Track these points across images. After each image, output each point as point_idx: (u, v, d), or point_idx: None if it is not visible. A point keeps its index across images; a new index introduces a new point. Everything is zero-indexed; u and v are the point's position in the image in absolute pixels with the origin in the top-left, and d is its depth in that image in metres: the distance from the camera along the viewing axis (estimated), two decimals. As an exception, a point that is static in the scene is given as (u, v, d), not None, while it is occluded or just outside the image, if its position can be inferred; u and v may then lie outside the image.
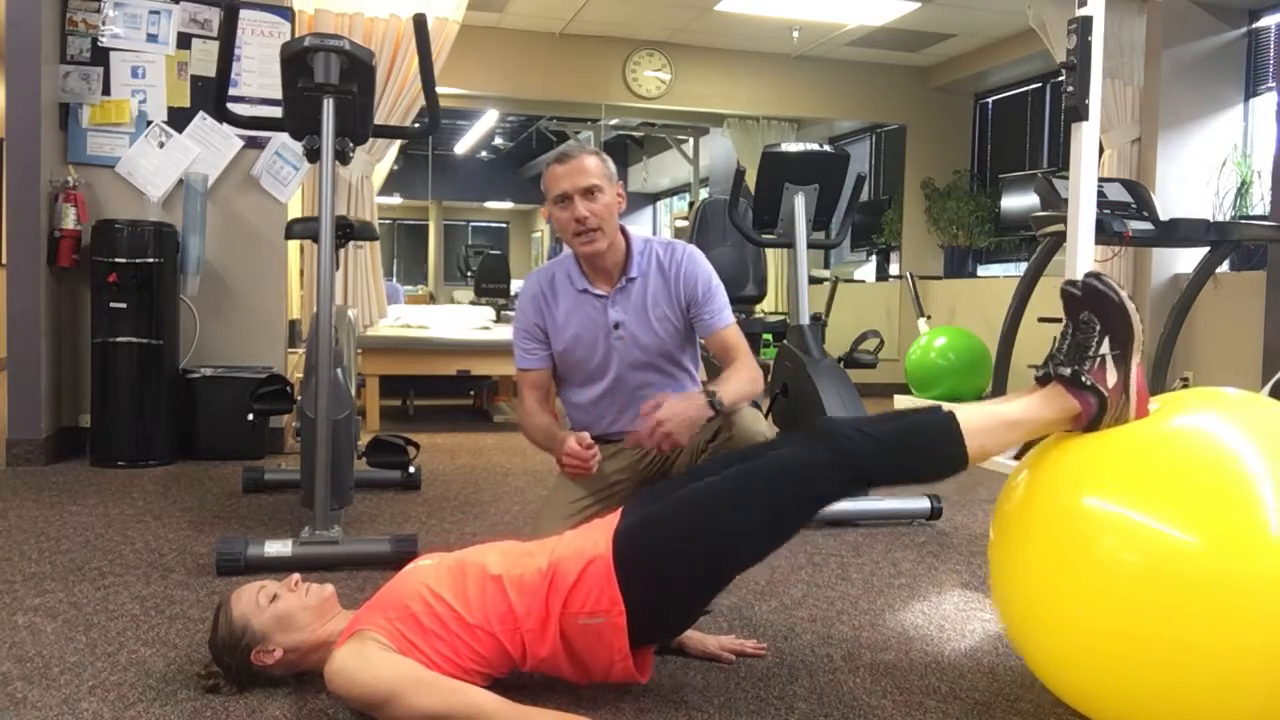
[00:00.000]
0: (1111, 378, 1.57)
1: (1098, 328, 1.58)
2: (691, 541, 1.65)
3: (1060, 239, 3.49)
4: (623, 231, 2.32)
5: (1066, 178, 3.02)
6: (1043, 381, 1.64)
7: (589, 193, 2.19)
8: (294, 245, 4.96)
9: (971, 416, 1.64)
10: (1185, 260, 5.39)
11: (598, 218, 2.20)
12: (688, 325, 2.34)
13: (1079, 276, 1.64)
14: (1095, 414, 1.58)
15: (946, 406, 1.69)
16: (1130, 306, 1.57)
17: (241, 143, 4.35)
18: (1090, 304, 1.59)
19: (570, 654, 1.65)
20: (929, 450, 1.65)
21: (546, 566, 1.67)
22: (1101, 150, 5.42)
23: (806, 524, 1.72)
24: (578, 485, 2.32)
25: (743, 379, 2.21)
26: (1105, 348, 1.58)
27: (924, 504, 3.21)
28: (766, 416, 3.58)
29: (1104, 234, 3.76)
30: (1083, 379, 1.58)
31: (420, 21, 2.77)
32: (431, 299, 10.46)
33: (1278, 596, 1.33)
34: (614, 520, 1.73)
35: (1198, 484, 1.42)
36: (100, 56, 4.20)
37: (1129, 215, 3.98)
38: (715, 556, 1.66)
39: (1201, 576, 1.35)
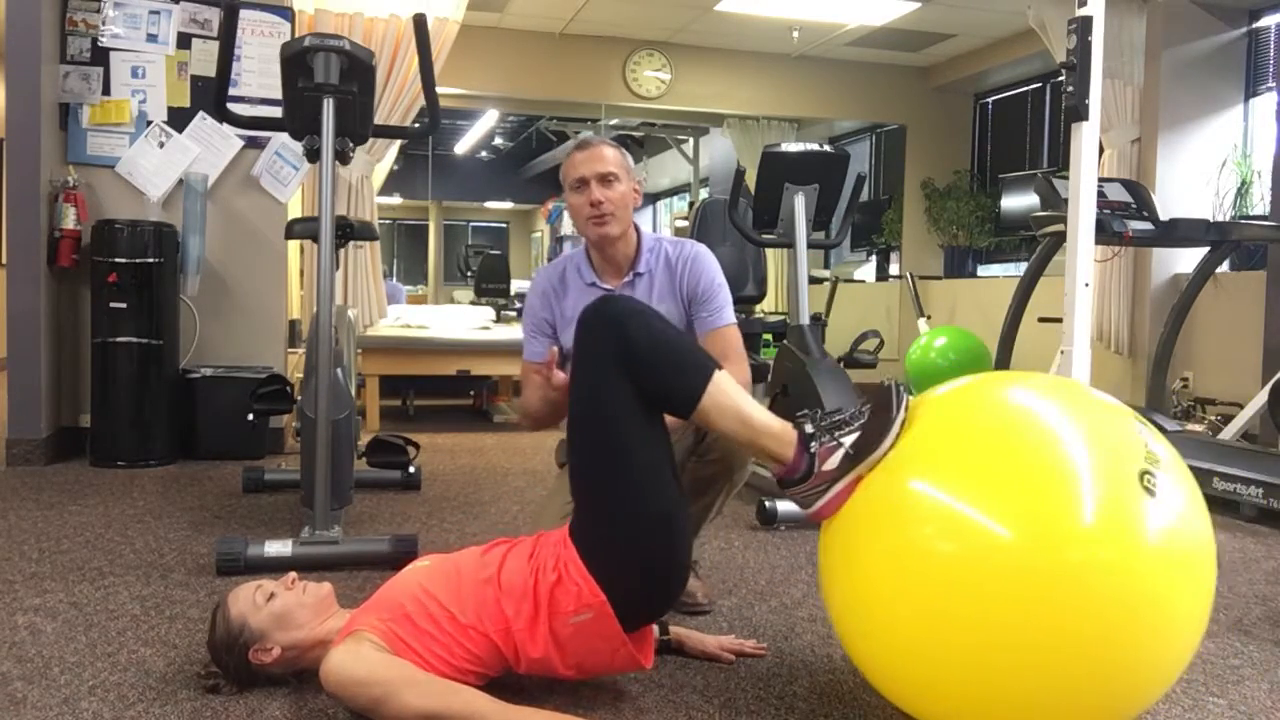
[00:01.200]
0: (830, 465, 1.58)
1: (860, 422, 1.59)
2: (602, 495, 1.67)
3: (1060, 239, 3.49)
4: (635, 229, 2.33)
5: (1066, 178, 3.02)
6: (797, 421, 1.65)
7: (605, 179, 2.21)
8: (294, 245, 4.96)
9: (728, 388, 1.65)
10: (1185, 260, 5.39)
11: (612, 204, 2.22)
12: (689, 322, 2.34)
13: (895, 380, 1.65)
14: (794, 479, 1.61)
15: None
16: (893, 434, 1.55)
17: (241, 143, 4.35)
18: (876, 403, 1.60)
19: (565, 655, 1.65)
20: (679, 366, 1.67)
21: (530, 569, 1.67)
22: (1101, 150, 5.43)
23: (638, 396, 1.70)
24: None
25: None
26: (848, 441, 1.58)
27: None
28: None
29: (1104, 234, 3.77)
30: (812, 445, 1.60)
31: (420, 21, 2.77)
32: (424, 299, 10.45)
33: (1086, 586, 1.35)
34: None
35: (1013, 474, 1.43)
36: (100, 56, 4.20)
37: (1129, 215, 3.98)
38: (628, 489, 1.66)
39: (1012, 566, 1.37)
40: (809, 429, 1.63)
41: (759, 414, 1.66)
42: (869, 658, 1.60)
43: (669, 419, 2.10)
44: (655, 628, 1.83)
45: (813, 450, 1.60)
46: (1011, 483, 1.42)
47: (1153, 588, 1.38)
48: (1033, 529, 1.38)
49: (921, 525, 1.46)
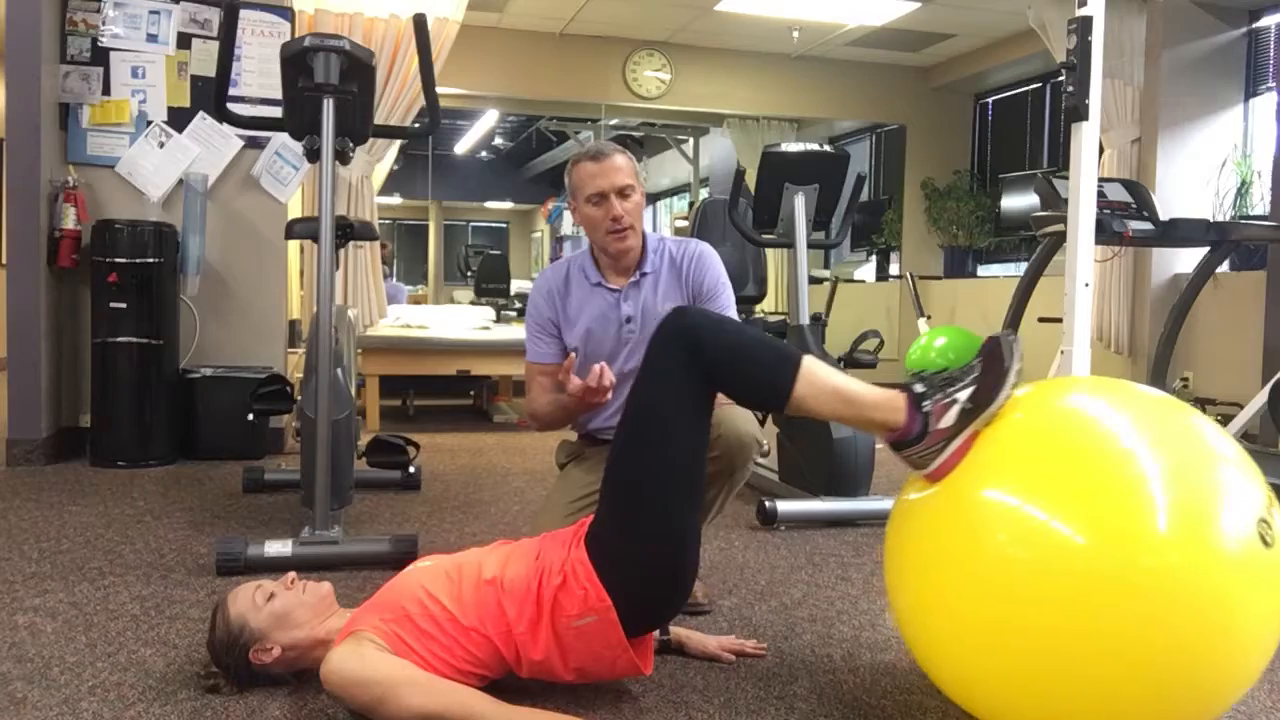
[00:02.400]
0: (946, 421, 1.56)
1: (972, 376, 1.58)
2: (634, 503, 1.66)
3: (1060, 239, 3.49)
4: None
5: (1066, 178, 3.02)
6: (901, 387, 1.65)
7: (623, 192, 2.23)
8: (294, 245, 4.96)
9: (816, 371, 1.64)
10: (1185, 260, 5.39)
11: (631, 217, 2.24)
12: None
13: (1008, 330, 1.64)
14: (909, 439, 1.58)
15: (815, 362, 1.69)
16: (1009, 383, 1.54)
17: (241, 143, 4.35)
18: (986, 356, 1.59)
19: (567, 658, 1.65)
20: (760, 372, 1.65)
21: (534, 570, 1.67)
22: (1101, 150, 5.43)
23: (708, 414, 1.70)
24: (577, 485, 2.32)
25: None
26: (963, 396, 1.56)
27: (924, 504, 3.21)
28: (765, 418, 3.58)
29: (1104, 234, 3.76)
30: (924, 403, 1.58)
31: (420, 21, 2.77)
32: (425, 300, 10.46)
33: (1162, 592, 1.34)
34: (589, 520, 1.75)
35: (1087, 480, 1.42)
36: (100, 56, 4.20)
37: (1129, 215, 3.98)
38: (658, 501, 1.65)
39: (1086, 572, 1.36)
40: (919, 389, 1.60)
41: (858, 387, 1.64)
42: (940, 664, 1.59)
43: None
44: (655, 631, 1.83)
45: (926, 409, 1.57)
46: (1084, 488, 1.41)
47: (1228, 593, 1.36)
48: (1106, 534, 1.36)
49: (994, 532, 1.45)
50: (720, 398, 2.25)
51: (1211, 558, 1.36)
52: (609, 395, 2.02)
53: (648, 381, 1.70)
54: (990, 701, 1.54)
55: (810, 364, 1.65)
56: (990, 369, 1.56)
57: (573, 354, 2.07)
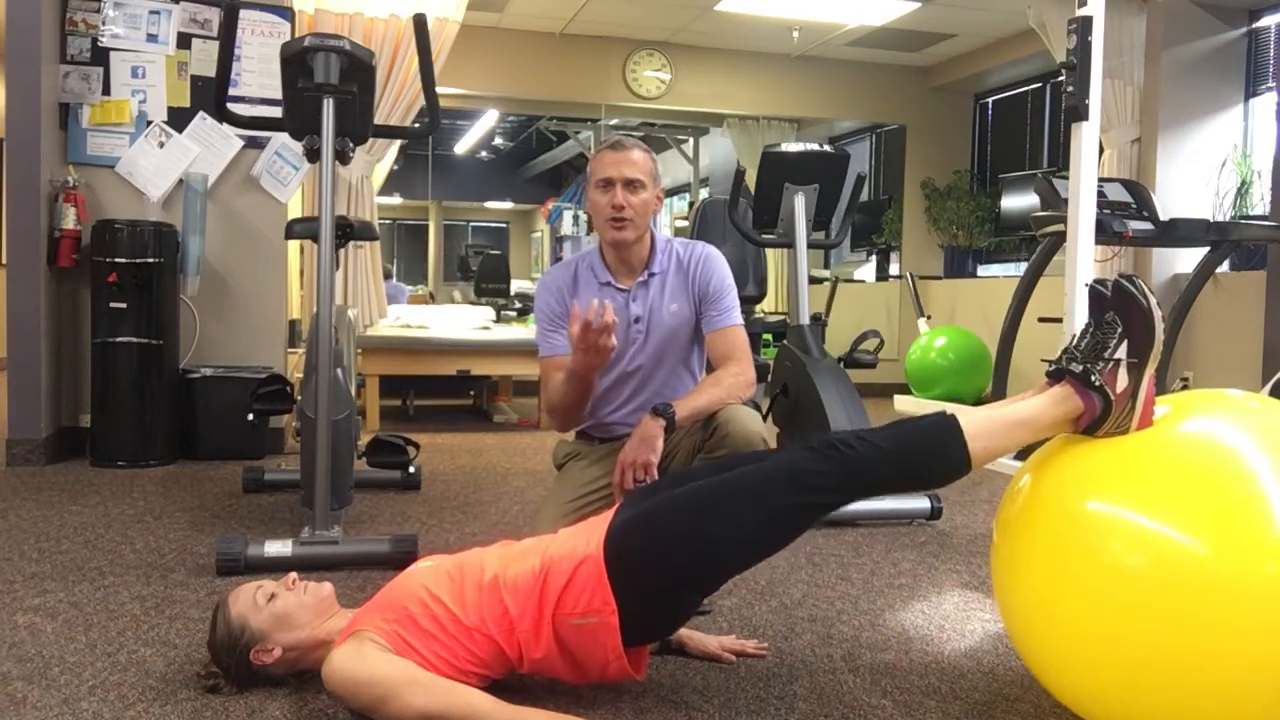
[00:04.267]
0: (1121, 383, 1.54)
1: (1119, 330, 1.56)
2: (683, 543, 1.64)
3: (1060, 239, 3.49)
4: (650, 231, 2.36)
5: (1066, 178, 3.02)
6: (1053, 378, 1.62)
7: (631, 184, 2.23)
8: (294, 245, 4.95)
9: (975, 419, 1.62)
10: (1185, 260, 5.39)
11: (633, 210, 2.24)
12: (698, 322, 2.35)
13: (1109, 276, 1.61)
14: (1098, 417, 1.55)
15: (950, 408, 1.68)
16: (1157, 315, 1.54)
17: (241, 143, 4.35)
18: (1117, 305, 1.57)
19: (565, 655, 1.65)
20: (930, 456, 1.63)
21: (539, 568, 1.66)
22: (1101, 150, 5.42)
23: (801, 532, 1.70)
24: (575, 485, 2.32)
25: (717, 390, 2.21)
26: (1122, 352, 1.55)
27: (924, 504, 3.21)
28: (766, 417, 3.58)
29: (1104, 234, 3.76)
30: (1092, 378, 1.55)
31: (420, 21, 2.77)
32: (431, 298, 10.46)
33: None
34: (607, 519, 1.72)
35: (1202, 487, 1.41)
36: (100, 56, 4.20)
37: (1129, 215, 3.98)
38: (706, 559, 1.64)
39: (1206, 580, 1.35)
40: (1077, 368, 1.58)
41: (1018, 408, 1.63)
42: (1059, 676, 1.59)
43: (681, 417, 2.12)
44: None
45: (1096, 383, 1.55)
46: (1201, 496, 1.40)
47: None
48: (1226, 542, 1.35)
49: (1108, 540, 1.44)
50: (724, 398, 2.25)
51: None
52: (612, 338, 1.97)
53: (782, 472, 1.65)
54: (1108, 712, 1.53)
55: (966, 420, 1.62)
56: (1131, 315, 1.55)
57: (577, 303, 2.05)
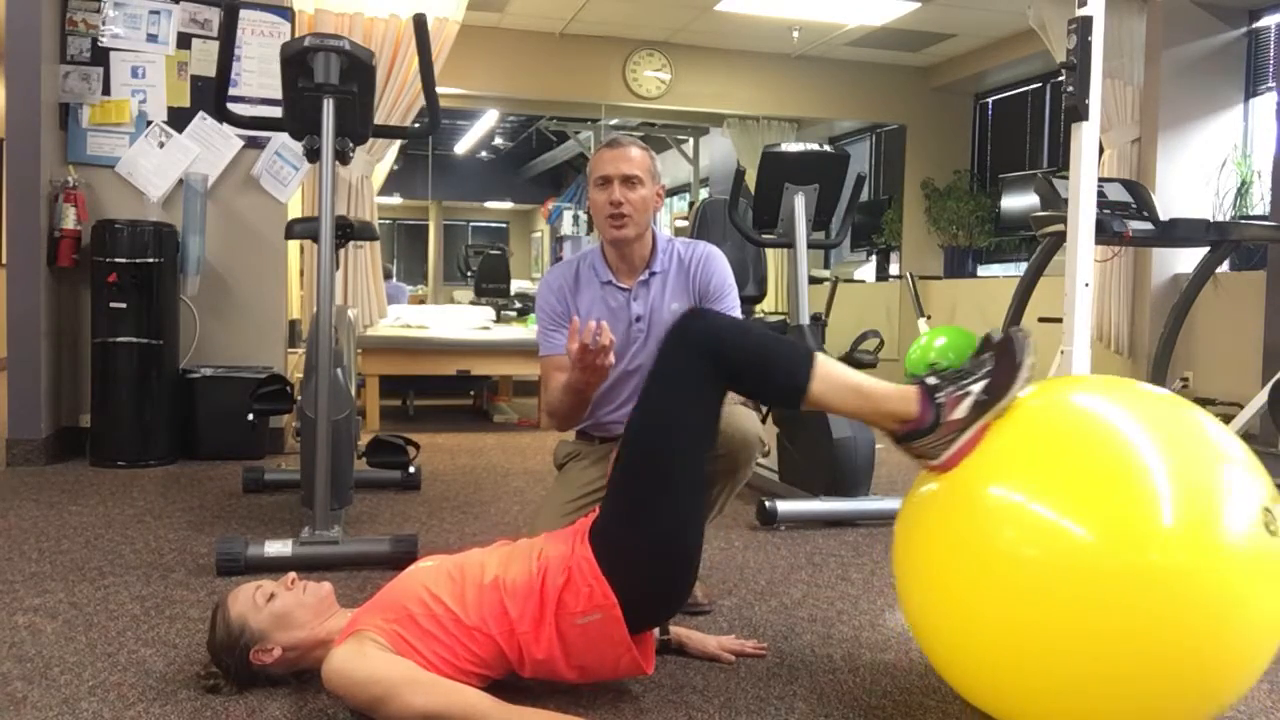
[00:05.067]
0: (959, 413, 1.58)
1: (985, 369, 1.60)
2: (641, 503, 1.67)
3: (1060, 239, 3.49)
4: (651, 230, 2.36)
5: (1066, 178, 3.02)
6: (913, 380, 1.67)
7: (629, 181, 2.24)
8: (294, 245, 4.96)
9: (830, 366, 1.68)
10: (1185, 260, 5.39)
11: (631, 206, 2.24)
12: None
13: (1016, 326, 1.67)
14: (920, 430, 1.60)
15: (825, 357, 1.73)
16: (1022, 377, 1.57)
17: (241, 143, 4.35)
18: (999, 351, 1.61)
19: (570, 656, 1.65)
20: (774, 366, 1.69)
21: (536, 569, 1.67)
22: (1101, 150, 5.43)
23: (714, 419, 1.75)
24: (575, 485, 2.32)
25: None
26: (977, 389, 1.59)
27: (924, 504, 3.21)
28: (765, 418, 3.58)
29: (1104, 234, 3.76)
30: (937, 395, 1.61)
31: (420, 21, 2.77)
32: (422, 302, 10.47)
33: (1168, 589, 1.34)
34: (592, 517, 1.75)
35: (1095, 476, 1.43)
36: (100, 56, 4.20)
37: (1129, 215, 3.98)
38: (666, 500, 1.67)
39: (1095, 569, 1.36)
40: (932, 381, 1.63)
41: (871, 382, 1.68)
42: (950, 661, 1.60)
43: None
44: (655, 630, 1.83)
45: (939, 400, 1.60)
46: (1091, 485, 1.42)
47: (1234, 588, 1.36)
48: (1113, 531, 1.37)
49: (1002, 529, 1.46)
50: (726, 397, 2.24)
51: (1218, 553, 1.37)
52: (610, 357, 1.98)
53: (659, 383, 1.72)
54: (1000, 698, 1.54)
55: (824, 360, 1.68)
56: (1004, 362, 1.59)
57: (577, 318, 2.05)
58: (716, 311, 1.79)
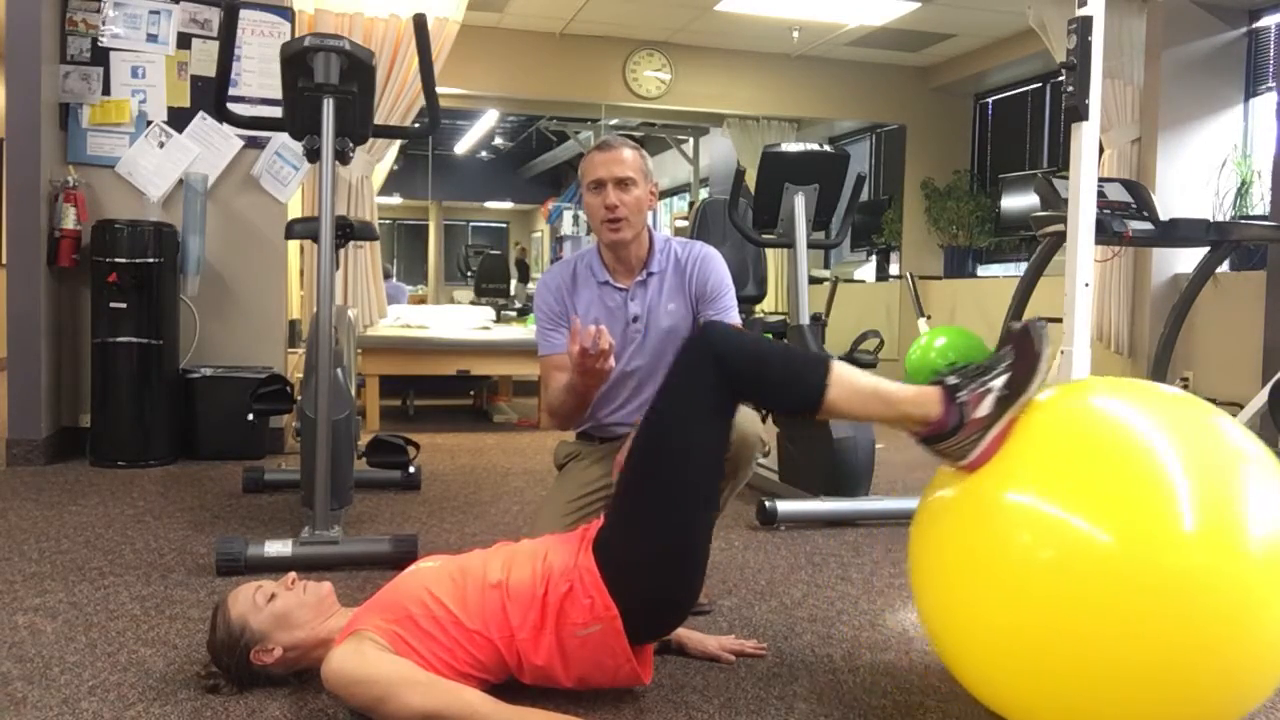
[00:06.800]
0: (982, 411, 1.56)
1: (1005, 364, 1.59)
2: (645, 519, 1.66)
3: (1060, 239, 3.49)
4: (648, 229, 2.36)
5: (1066, 178, 3.02)
6: (933, 382, 1.65)
7: (622, 183, 2.23)
8: (294, 245, 4.96)
9: (848, 372, 1.66)
10: (1185, 260, 5.39)
11: (627, 209, 2.24)
12: (696, 322, 2.35)
13: (1036, 317, 1.65)
14: (945, 432, 1.58)
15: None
16: (1042, 369, 1.55)
17: (241, 143, 4.35)
18: (1016, 344, 1.60)
19: (569, 665, 1.65)
20: (791, 373, 1.67)
21: (540, 576, 1.67)
22: (1101, 150, 5.43)
23: (725, 435, 1.74)
24: (576, 485, 2.32)
25: None
26: (998, 384, 1.57)
27: (924, 504, 3.21)
28: (765, 418, 3.58)
29: (1104, 234, 3.76)
30: (959, 395, 1.59)
31: (420, 21, 2.77)
32: (423, 301, 10.47)
33: (1187, 593, 1.34)
34: (596, 526, 1.75)
35: (1113, 479, 1.42)
36: (100, 56, 4.20)
37: (1129, 215, 3.98)
38: (671, 516, 1.66)
39: (1113, 573, 1.36)
40: (952, 380, 1.61)
41: (890, 385, 1.66)
42: (965, 663, 1.59)
43: None
44: (656, 640, 1.83)
45: (961, 400, 1.58)
46: (1108, 489, 1.41)
47: (1254, 592, 1.36)
48: (1131, 534, 1.36)
49: (1018, 532, 1.45)
50: None
51: (1239, 556, 1.36)
52: (610, 361, 1.98)
53: (670, 397, 1.70)
54: (1015, 701, 1.53)
55: (839, 367, 1.66)
56: (1023, 356, 1.57)
57: (578, 320, 2.05)
58: (725, 324, 1.77)
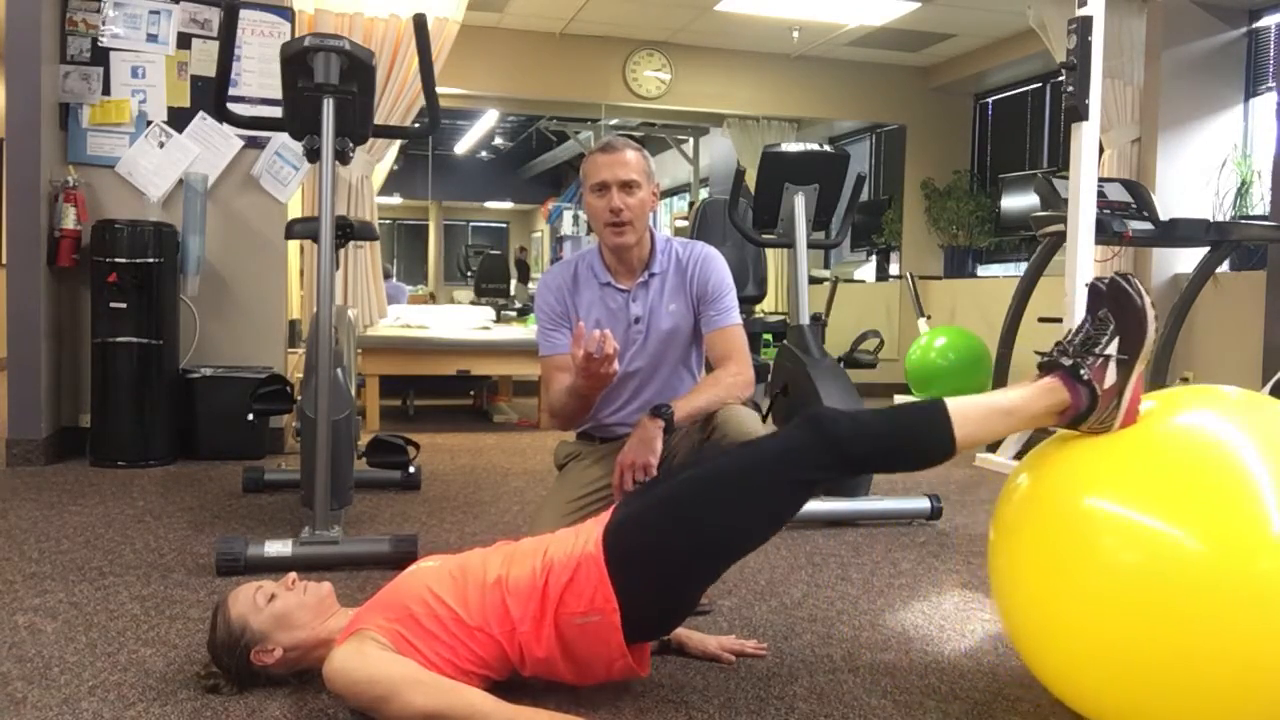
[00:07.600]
0: (1109, 379, 1.55)
1: (1111, 327, 1.57)
2: (679, 532, 1.65)
3: (1060, 239, 3.49)
4: (649, 230, 2.36)
5: (1066, 178, 3.02)
6: (1044, 370, 1.64)
7: (627, 186, 2.23)
8: (294, 245, 4.95)
9: (962, 405, 1.64)
10: (1185, 260, 5.39)
11: (631, 212, 2.24)
12: (696, 322, 2.35)
13: (1107, 274, 1.63)
14: (1083, 411, 1.57)
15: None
16: (1150, 314, 1.55)
17: (241, 143, 4.35)
18: (1112, 302, 1.58)
19: (568, 655, 1.65)
20: (916, 435, 1.65)
21: (540, 568, 1.67)
22: (1101, 150, 5.42)
23: (795, 509, 1.70)
24: (576, 485, 2.32)
25: (716, 390, 2.21)
26: (1113, 349, 1.56)
27: (924, 504, 3.21)
28: (766, 417, 3.58)
29: (1104, 234, 3.77)
30: (1080, 372, 1.57)
31: (420, 21, 2.77)
32: (432, 298, 10.46)
33: (1277, 597, 1.32)
34: (605, 519, 1.73)
35: (1198, 484, 1.42)
36: (100, 56, 4.20)
37: (1129, 215, 3.98)
38: (704, 547, 1.65)
39: (1201, 577, 1.35)
40: (1067, 362, 1.60)
41: (1007, 396, 1.64)
42: (1053, 670, 1.59)
43: (680, 417, 2.11)
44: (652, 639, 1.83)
45: (1084, 377, 1.57)
46: (1196, 494, 1.40)
47: None
48: (1221, 539, 1.35)
49: (1103, 537, 1.44)
50: (723, 398, 2.24)
51: None
52: (614, 365, 1.97)
53: (768, 453, 1.67)
54: (1100, 704, 1.53)
55: (953, 405, 1.63)
56: (1125, 312, 1.56)
57: (581, 323, 2.04)
58: (833, 410, 1.71)
